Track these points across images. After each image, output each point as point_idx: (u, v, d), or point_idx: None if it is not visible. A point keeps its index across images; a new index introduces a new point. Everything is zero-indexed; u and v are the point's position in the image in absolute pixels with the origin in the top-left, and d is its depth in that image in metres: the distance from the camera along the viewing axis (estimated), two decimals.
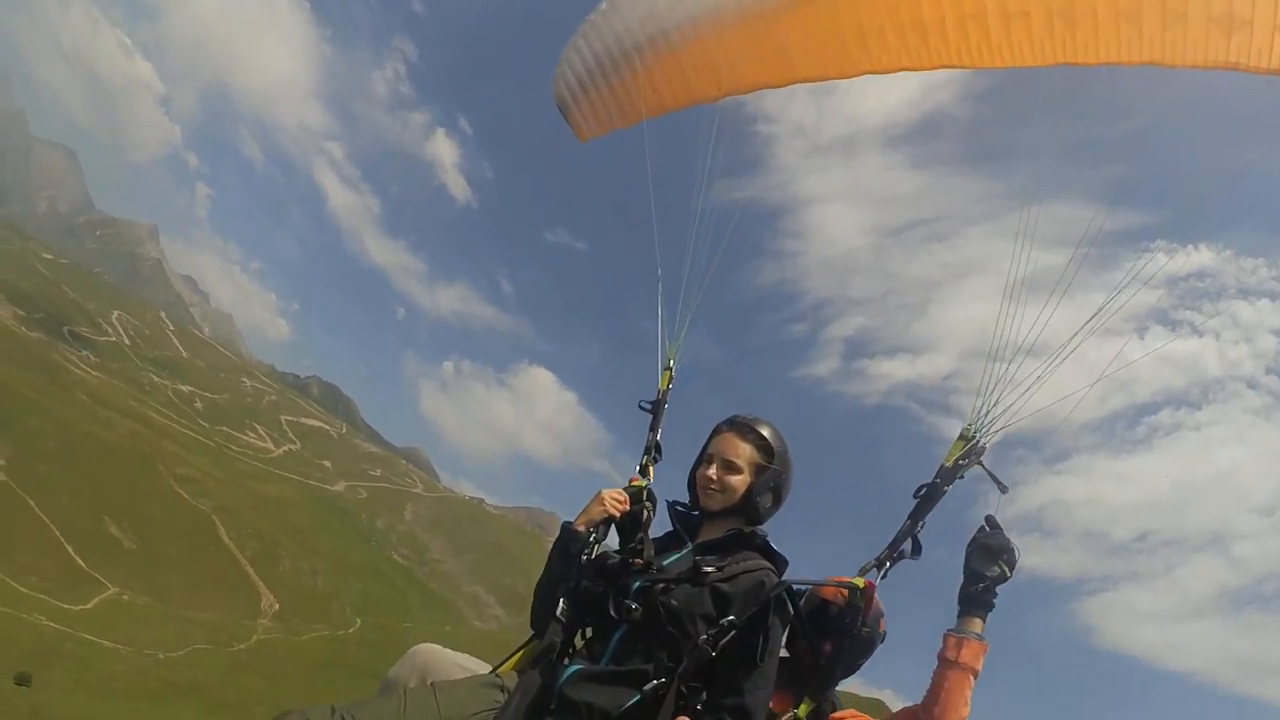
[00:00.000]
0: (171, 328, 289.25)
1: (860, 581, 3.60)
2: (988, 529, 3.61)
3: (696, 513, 3.85)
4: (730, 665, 3.22)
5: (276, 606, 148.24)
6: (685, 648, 3.21)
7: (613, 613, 3.37)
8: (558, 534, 3.83)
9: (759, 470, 3.67)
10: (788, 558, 3.67)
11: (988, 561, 3.51)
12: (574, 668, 3.30)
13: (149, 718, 72.50)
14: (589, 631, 3.62)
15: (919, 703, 3.56)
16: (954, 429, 4.02)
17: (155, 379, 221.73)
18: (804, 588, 3.78)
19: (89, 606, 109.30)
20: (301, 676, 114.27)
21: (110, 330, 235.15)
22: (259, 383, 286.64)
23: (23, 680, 67.26)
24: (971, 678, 3.44)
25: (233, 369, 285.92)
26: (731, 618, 3.24)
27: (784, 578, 3.46)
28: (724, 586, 3.34)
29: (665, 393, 4.90)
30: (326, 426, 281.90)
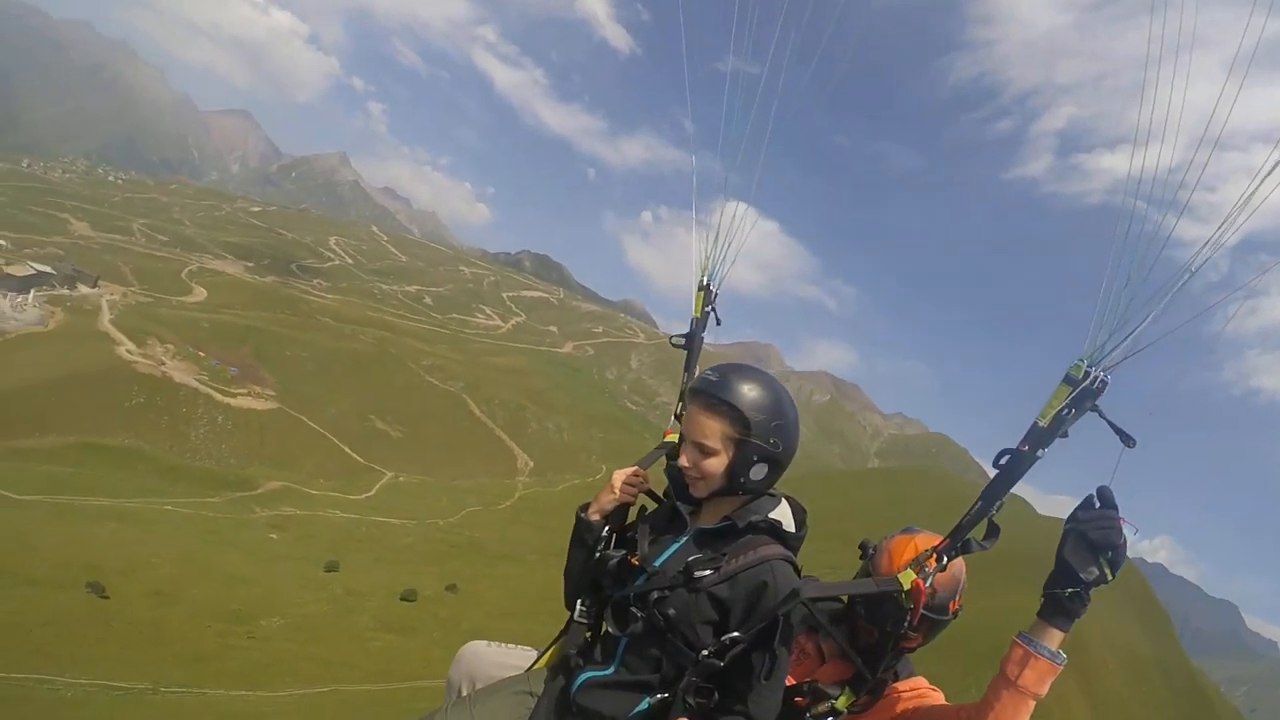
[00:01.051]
0: (385, 238, 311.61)
1: (907, 580, 3.06)
2: (1096, 506, 2.77)
3: None
4: (737, 673, 3.00)
5: (531, 464, 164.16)
6: (688, 659, 3.03)
7: (610, 626, 3.20)
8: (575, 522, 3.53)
9: (737, 445, 3.06)
10: (804, 508, 3.31)
11: (1085, 558, 2.76)
12: (586, 674, 3.25)
13: (438, 575, 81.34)
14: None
15: (975, 704, 3.13)
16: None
17: (384, 287, 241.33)
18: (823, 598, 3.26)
19: (372, 494, 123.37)
20: (563, 526, 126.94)
21: (332, 255, 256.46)
22: (476, 268, 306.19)
23: (332, 567, 77.61)
24: (1031, 702, 2.95)
25: (450, 261, 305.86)
26: (735, 634, 2.99)
27: (802, 592, 2.97)
28: (721, 590, 3.04)
29: (702, 321, 4.27)
30: (546, 295, 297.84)
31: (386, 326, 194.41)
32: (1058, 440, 2.80)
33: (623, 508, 3.50)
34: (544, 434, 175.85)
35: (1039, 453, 2.81)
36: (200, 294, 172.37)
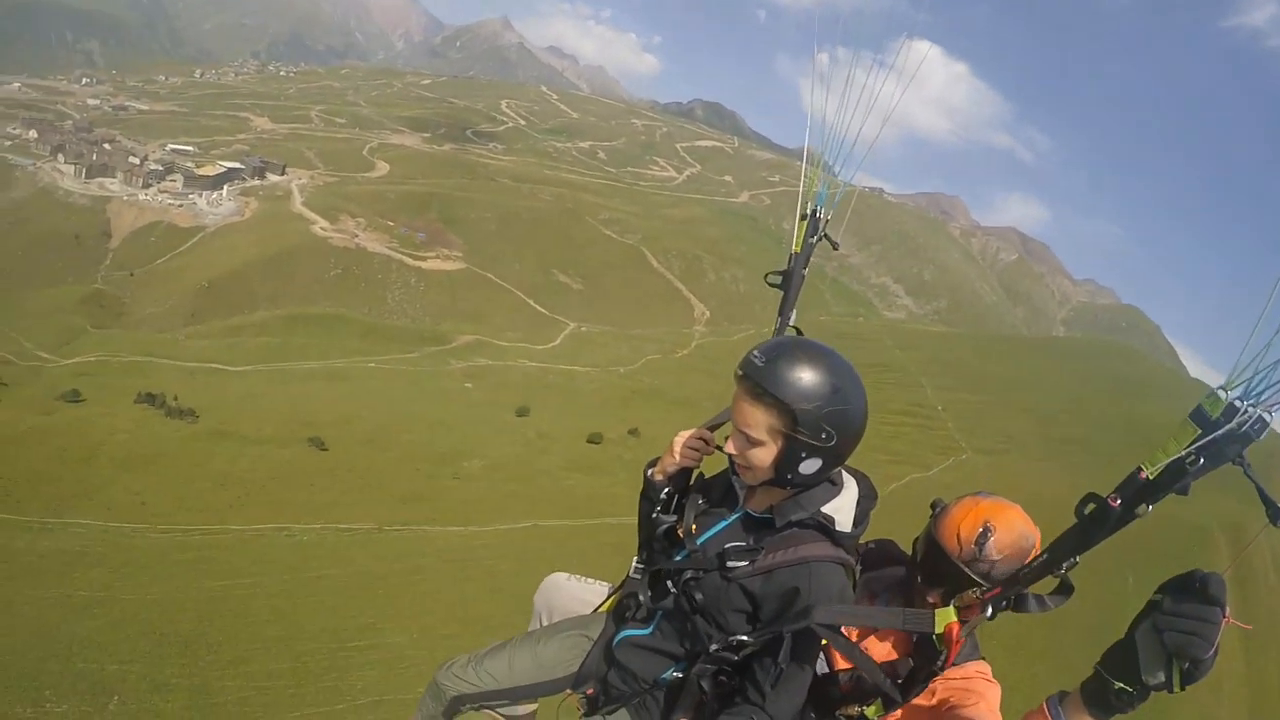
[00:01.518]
0: (555, 97, 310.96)
1: (942, 622, 2.59)
2: (1192, 603, 2.11)
3: None
4: (759, 666, 2.85)
5: (707, 314, 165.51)
6: (707, 645, 2.93)
7: (643, 595, 3.14)
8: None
9: (785, 439, 2.68)
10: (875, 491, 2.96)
11: (1156, 655, 2.15)
12: (627, 632, 3.26)
13: (620, 420, 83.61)
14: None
15: None
16: None
17: (558, 145, 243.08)
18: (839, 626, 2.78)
19: (557, 343, 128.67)
20: None
21: (505, 118, 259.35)
22: (647, 120, 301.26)
23: (523, 412, 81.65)
24: None
25: (621, 115, 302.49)
26: (744, 637, 2.83)
27: (820, 617, 2.64)
28: (753, 584, 2.85)
29: (803, 258, 3.66)
30: (720, 144, 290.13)
31: (563, 184, 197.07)
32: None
33: (683, 472, 3.24)
34: (721, 284, 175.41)
35: (1139, 510, 2.02)
36: (383, 168, 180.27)
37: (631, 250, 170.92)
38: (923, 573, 3.10)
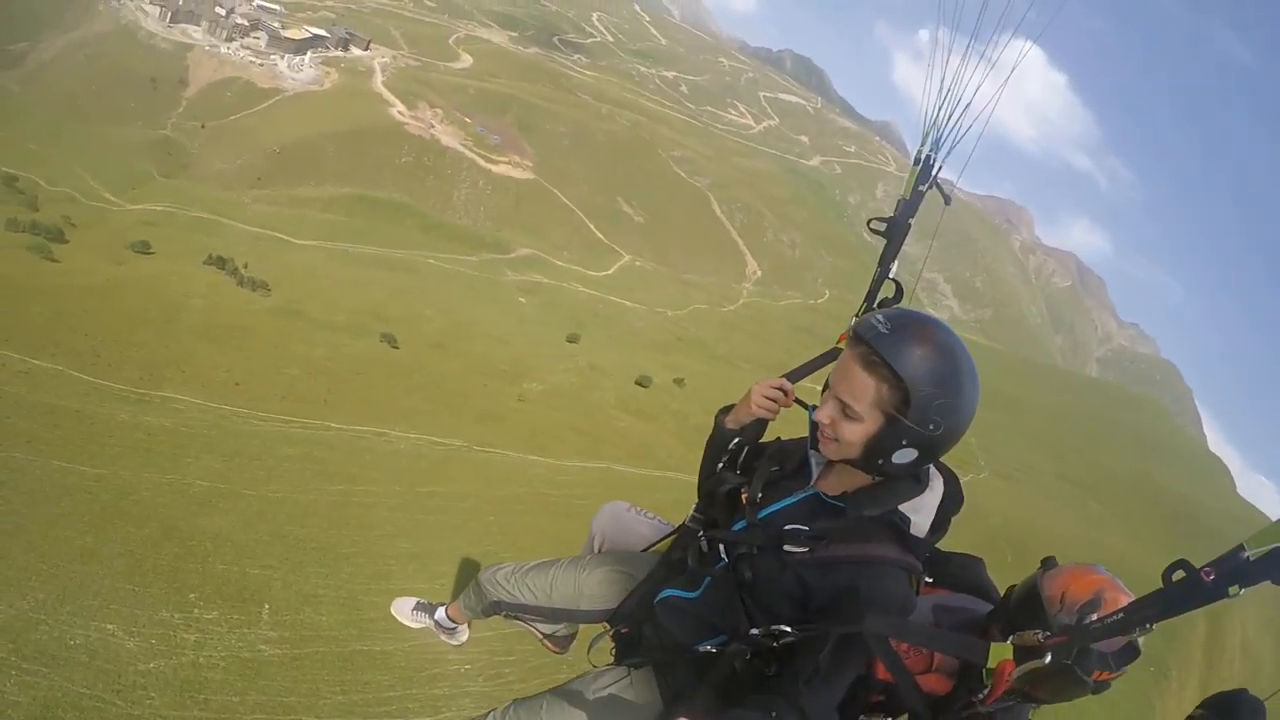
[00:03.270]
0: (647, 18, 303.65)
1: (995, 659, 2.36)
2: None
3: None
4: (799, 659, 2.66)
5: (759, 273, 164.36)
6: (744, 622, 2.79)
7: (693, 560, 3.03)
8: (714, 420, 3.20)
9: (888, 420, 2.47)
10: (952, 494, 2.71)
11: None
12: (671, 591, 3.13)
13: (665, 365, 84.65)
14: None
15: None
16: None
17: (642, 69, 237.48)
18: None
19: (610, 273, 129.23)
20: (778, 338, 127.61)
21: (594, 31, 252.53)
22: (736, 61, 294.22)
23: (573, 339, 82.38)
24: None
25: (709, 50, 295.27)
26: (788, 627, 2.65)
27: (872, 626, 2.43)
28: (810, 574, 2.66)
29: (912, 205, 3.49)
30: (803, 102, 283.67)
31: (641, 110, 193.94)
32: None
33: (759, 424, 3.07)
34: (777, 245, 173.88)
35: (1230, 590, 1.83)
36: (466, 60, 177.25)
37: (698, 193, 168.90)
38: (1008, 618, 2.85)
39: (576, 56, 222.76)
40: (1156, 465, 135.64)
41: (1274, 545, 1.76)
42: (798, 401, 3.04)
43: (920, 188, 3.46)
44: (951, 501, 2.71)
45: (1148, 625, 2.04)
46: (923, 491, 2.66)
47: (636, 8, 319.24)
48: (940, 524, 2.69)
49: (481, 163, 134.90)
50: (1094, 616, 2.26)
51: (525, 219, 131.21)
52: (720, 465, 3.11)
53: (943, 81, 3.21)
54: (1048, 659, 2.19)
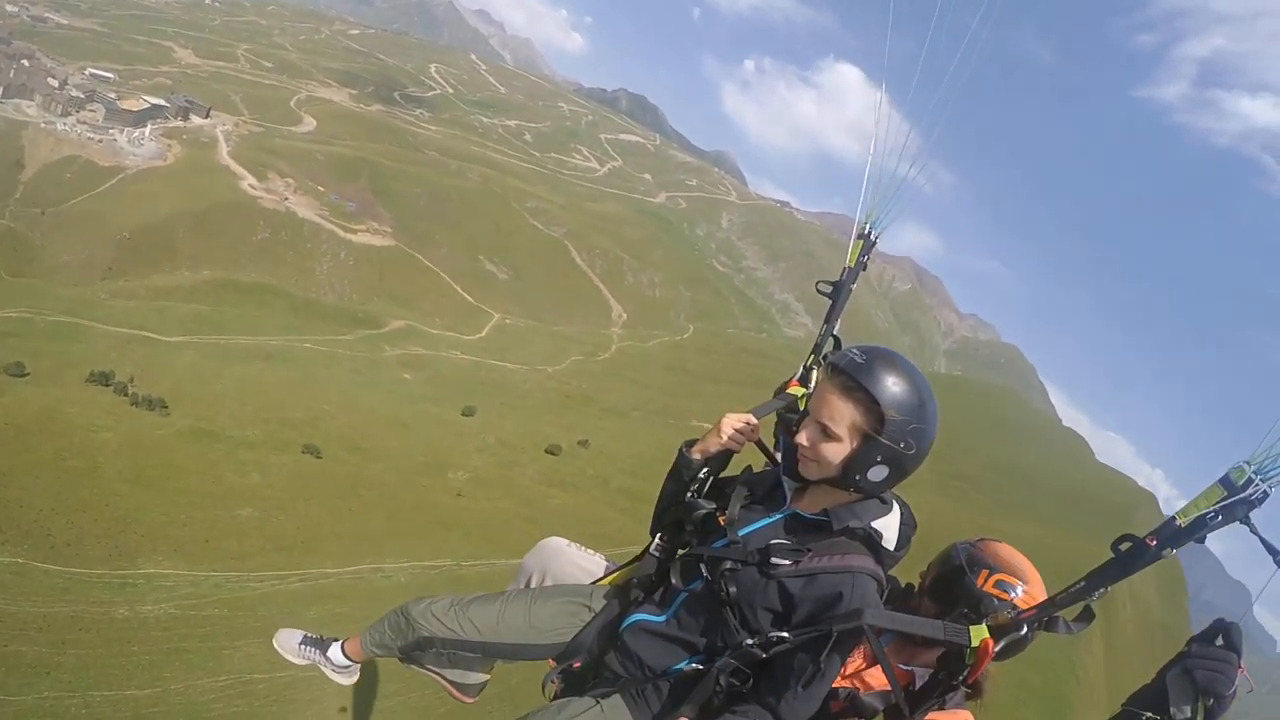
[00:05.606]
0: (484, 67, 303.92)
1: (978, 637, 2.66)
2: (1218, 643, 2.48)
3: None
4: (779, 668, 2.86)
5: (624, 316, 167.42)
6: (733, 638, 2.92)
7: (675, 578, 3.12)
8: (677, 452, 3.34)
9: (864, 439, 2.77)
10: (914, 522, 3.05)
11: (1185, 693, 2.44)
12: (640, 616, 3.22)
13: (563, 427, 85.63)
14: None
15: None
16: None
17: (485, 119, 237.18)
18: (887, 631, 2.88)
19: (484, 334, 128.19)
20: (655, 380, 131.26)
21: (433, 84, 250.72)
22: (574, 105, 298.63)
23: (469, 412, 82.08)
24: None
25: (547, 95, 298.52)
26: (784, 634, 2.82)
27: (866, 616, 2.72)
28: (793, 585, 2.85)
29: (854, 272, 3.86)
30: (643, 141, 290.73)
31: (490, 164, 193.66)
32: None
33: (725, 454, 3.29)
34: (638, 288, 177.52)
35: (1165, 552, 2.42)
36: (310, 123, 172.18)
37: (556, 244, 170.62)
38: (933, 593, 3.18)
39: (419, 111, 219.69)
40: (1020, 448, 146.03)
41: (1196, 514, 2.33)
42: (758, 443, 3.32)
43: (864, 259, 3.88)
44: (908, 525, 3.04)
45: (1105, 589, 2.50)
46: (888, 512, 2.98)
47: (473, 57, 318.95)
48: (904, 542, 3.01)
49: (341, 233, 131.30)
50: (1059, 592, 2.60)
51: (392, 287, 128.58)
52: (689, 494, 3.28)
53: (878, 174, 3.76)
54: (1024, 631, 2.62)
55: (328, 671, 4.39)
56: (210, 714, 27.81)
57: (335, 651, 4.33)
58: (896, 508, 3.00)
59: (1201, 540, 2.36)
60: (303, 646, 4.42)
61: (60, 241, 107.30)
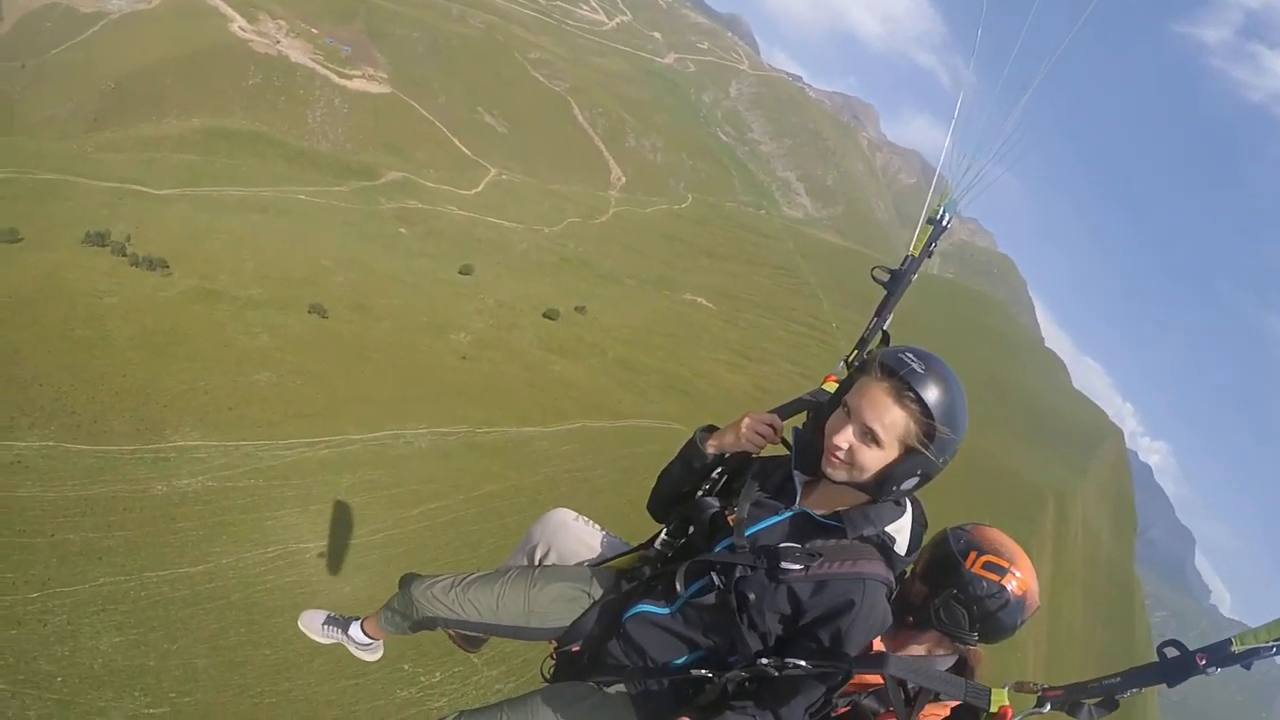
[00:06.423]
0: None
1: (998, 702, 2.58)
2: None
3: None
4: (788, 685, 2.81)
5: (623, 179, 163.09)
6: (743, 641, 2.86)
7: (680, 584, 3.02)
8: (690, 437, 3.27)
9: (909, 451, 2.65)
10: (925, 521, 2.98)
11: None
12: (643, 607, 3.15)
13: (560, 290, 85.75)
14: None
15: None
16: None
17: None
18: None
19: (480, 189, 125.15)
20: (653, 249, 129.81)
21: None
22: None
23: (466, 270, 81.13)
24: None
25: None
26: (803, 661, 2.72)
27: (894, 669, 2.66)
28: (802, 590, 2.77)
29: (917, 261, 3.58)
30: None
31: (493, 9, 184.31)
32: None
33: (743, 454, 3.19)
34: (639, 151, 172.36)
35: (1211, 670, 2.33)
36: None
37: (558, 99, 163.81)
38: (924, 577, 3.18)
39: None
40: (1002, 362, 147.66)
41: (1253, 646, 2.26)
42: (783, 441, 3.16)
43: (930, 247, 3.60)
44: (919, 525, 2.97)
45: (1138, 690, 2.43)
46: (901, 515, 2.91)
47: None
48: (915, 546, 2.95)
49: (335, 79, 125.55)
50: (1092, 681, 2.51)
51: (387, 137, 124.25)
52: (700, 492, 3.23)
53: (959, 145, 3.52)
54: (1046, 708, 2.57)
55: (353, 649, 4.55)
56: (263, 585, 28.38)
57: (356, 630, 4.48)
58: (909, 509, 2.93)
59: (1248, 666, 2.34)
60: (326, 627, 4.57)
61: (43, 95, 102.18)
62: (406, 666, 26.65)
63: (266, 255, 61.89)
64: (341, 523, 30.25)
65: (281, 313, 50.95)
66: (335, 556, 29.90)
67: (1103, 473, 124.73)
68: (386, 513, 32.71)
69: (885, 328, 3.48)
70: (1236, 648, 2.26)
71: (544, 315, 73.44)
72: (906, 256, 3.56)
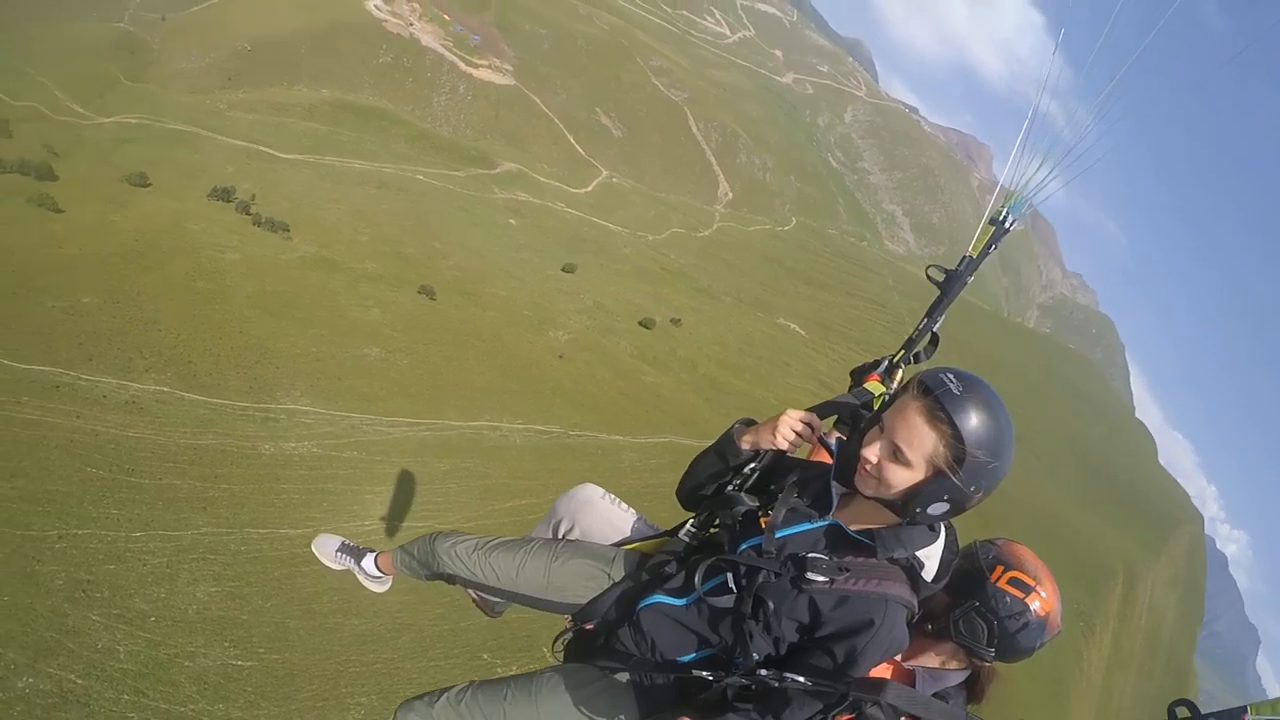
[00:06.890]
0: None
1: None
2: None
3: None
4: (787, 696, 2.78)
5: (730, 195, 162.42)
6: (754, 644, 2.83)
7: (697, 578, 2.96)
8: (728, 428, 3.22)
9: (936, 473, 2.59)
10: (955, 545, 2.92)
11: None
12: (658, 597, 3.11)
13: (658, 300, 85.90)
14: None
15: None
16: None
17: None
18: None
19: (590, 190, 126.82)
20: (752, 269, 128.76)
21: None
22: None
23: (569, 269, 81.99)
24: None
25: None
26: (803, 678, 2.69)
27: (892, 698, 2.60)
28: (825, 602, 2.75)
29: (975, 263, 3.48)
30: (779, 14, 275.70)
31: (619, 12, 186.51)
32: None
33: (779, 452, 3.09)
34: (749, 168, 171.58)
35: None
36: None
37: (675, 109, 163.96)
38: (948, 588, 3.04)
39: None
40: (1086, 424, 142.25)
41: (1268, 717, 2.19)
42: (820, 440, 3.08)
43: (990, 248, 3.51)
44: (950, 553, 2.90)
45: None
46: (933, 540, 2.85)
47: None
48: (944, 572, 2.87)
49: (462, 66, 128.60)
50: None
51: (506, 128, 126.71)
52: (732, 486, 3.18)
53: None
54: None
55: (361, 579, 4.59)
56: None
57: (369, 561, 4.52)
58: (942, 535, 2.87)
59: None
60: (339, 554, 4.65)
61: (179, 48, 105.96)
62: (485, 656, 26.67)
63: (383, 230, 63.52)
64: (436, 505, 30.51)
65: (393, 290, 52.08)
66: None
67: (1178, 557, 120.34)
68: (480, 502, 32.88)
69: (935, 329, 3.43)
70: (1250, 717, 2.26)
71: (640, 323, 73.47)
72: (964, 257, 3.45)
